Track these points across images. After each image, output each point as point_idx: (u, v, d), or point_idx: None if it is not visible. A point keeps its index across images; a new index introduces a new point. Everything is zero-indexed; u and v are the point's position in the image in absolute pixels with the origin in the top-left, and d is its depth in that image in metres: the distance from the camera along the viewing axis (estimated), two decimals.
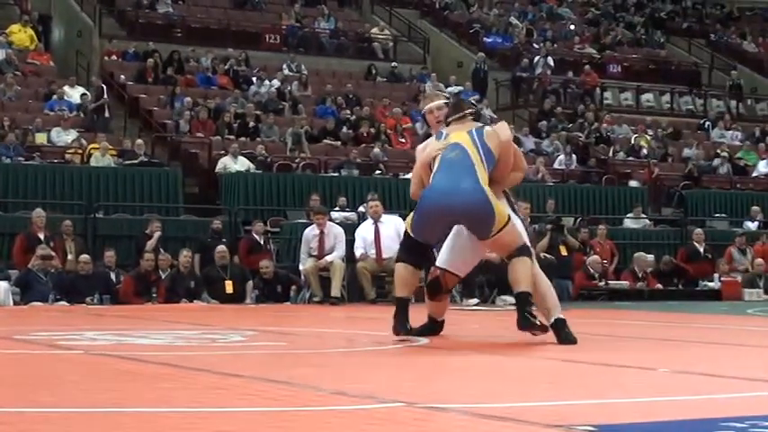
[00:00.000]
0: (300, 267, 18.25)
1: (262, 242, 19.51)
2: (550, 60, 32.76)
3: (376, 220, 18.01)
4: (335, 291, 17.61)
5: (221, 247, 18.21)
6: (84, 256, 17.35)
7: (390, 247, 16.98)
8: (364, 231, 18.17)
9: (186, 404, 4.90)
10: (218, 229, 19.34)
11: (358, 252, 18.01)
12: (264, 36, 31.18)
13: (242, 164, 22.68)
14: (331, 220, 19.06)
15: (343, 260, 18.00)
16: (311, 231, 18.31)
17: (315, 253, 18.02)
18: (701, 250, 22.32)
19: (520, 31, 35.02)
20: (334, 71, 31.08)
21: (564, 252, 20.08)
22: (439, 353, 8.04)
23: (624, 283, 20.93)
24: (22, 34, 27.84)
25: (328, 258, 17.86)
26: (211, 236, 19.18)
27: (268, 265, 18.36)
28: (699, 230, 22.78)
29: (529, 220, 19.33)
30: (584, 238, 21.43)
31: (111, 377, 6.15)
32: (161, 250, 18.12)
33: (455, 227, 8.30)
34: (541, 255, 18.72)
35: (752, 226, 24.89)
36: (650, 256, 21.71)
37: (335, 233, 18.29)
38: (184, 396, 5.20)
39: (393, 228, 17.41)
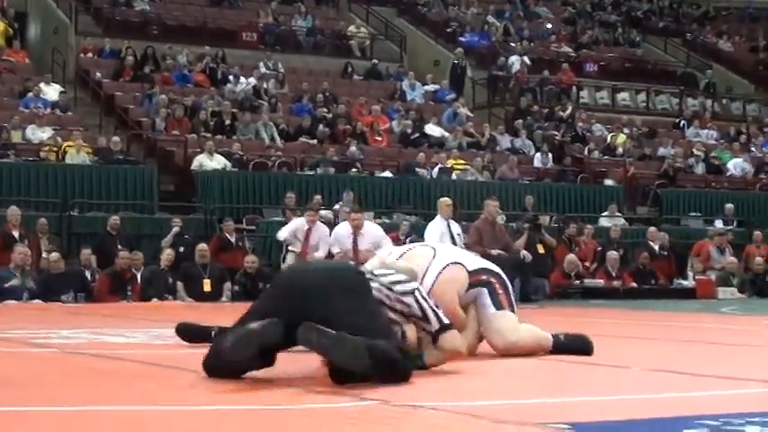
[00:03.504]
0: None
1: (233, 240, 19.51)
2: (527, 59, 32.81)
3: (355, 232, 17.84)
4: None
5: (202, 246, 18.24)
6: (54, 255, 17.22)
7: (366, 257, 17.12)
8: (341, 239, 18.03)
9: (163, 402, 4.90)
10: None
11: (335, 250, 18.02)
12: (241, 34, 31.13)
13: (218, 162, 22.65)
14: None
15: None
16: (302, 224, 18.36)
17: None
18: (656, 249, 22.33)
19: (497, 29, 35.05)
20: (310, 69, 31.06)
21: (541, 250, 20.15)
22: None
23: (599, 282, 21.00)
24: None
25: (316, 255, 17.89)
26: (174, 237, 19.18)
27: (254, 260, 18.51)
28: (653, 229, 22.80)
29: (504, 218, 19.43)
30: (572, 234, 21.60)
31: (87, 376, 6.14)
32: (128, 248, 18.07)
33: None
34: (522, 253, 18.82)
35: (720, 224, 25.09)
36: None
37: (322, 232, 18.36)
38: (161, 395, 5.20)
39: (371, 240, 17.43)
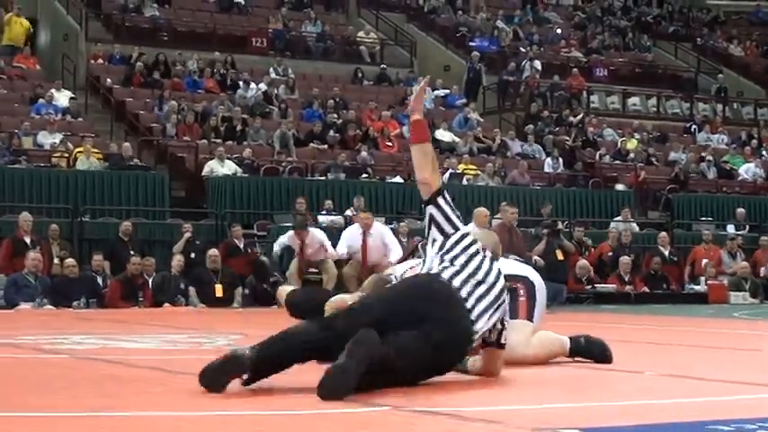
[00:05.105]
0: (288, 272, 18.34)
1: (241, 246, 19.49)
2: (537, 64, 32.78)
3: (365, 231, 17.99)
4: None
5: (213, 251, 18.26)
6: (70, 260, 17.30)
7: (376, 255, 17.41)
8: (352, 238, 18.16)
9: (172, 408, 4.89)
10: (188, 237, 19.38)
11: (342, 250, 18.20)
12: (251, 39, 31.16)
13: (229, 168, 22.66)
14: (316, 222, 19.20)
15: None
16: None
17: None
18: (666, 254, 22.32)
19: (507, 34, 35.05)
20: (320, 75, 31.09)
21: (560, 257, 20.03)
22: None
23: (611, 287, 20.97)
24: (17, 26, 27.90)
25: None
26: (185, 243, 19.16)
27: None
28: (663, 234, 22.82)
29: (516, 223, 19.38)
30: (579, 238, 21.61)
31: (97, 381, 6.13)
32: (139, 254, 18.10)
33: None
34: (534, 259, 18.69)
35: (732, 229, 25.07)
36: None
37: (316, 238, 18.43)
38: (171, 400, 5.19)
39: (380, 239, 17.52)
